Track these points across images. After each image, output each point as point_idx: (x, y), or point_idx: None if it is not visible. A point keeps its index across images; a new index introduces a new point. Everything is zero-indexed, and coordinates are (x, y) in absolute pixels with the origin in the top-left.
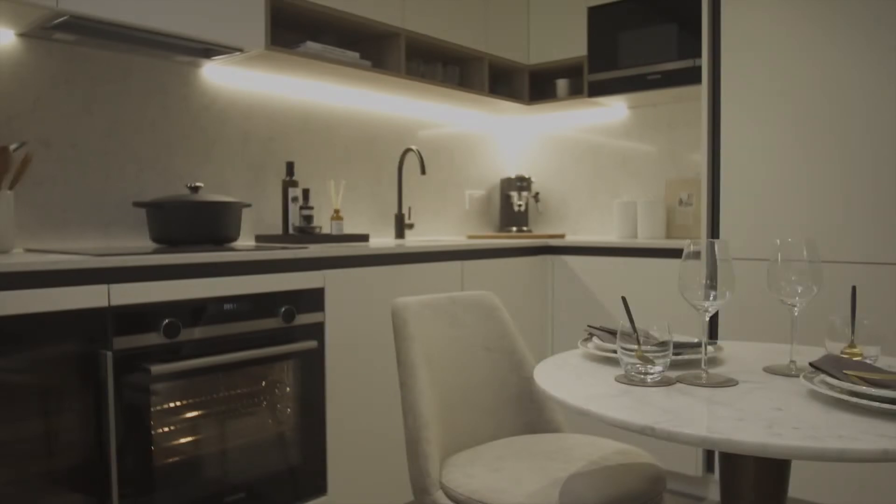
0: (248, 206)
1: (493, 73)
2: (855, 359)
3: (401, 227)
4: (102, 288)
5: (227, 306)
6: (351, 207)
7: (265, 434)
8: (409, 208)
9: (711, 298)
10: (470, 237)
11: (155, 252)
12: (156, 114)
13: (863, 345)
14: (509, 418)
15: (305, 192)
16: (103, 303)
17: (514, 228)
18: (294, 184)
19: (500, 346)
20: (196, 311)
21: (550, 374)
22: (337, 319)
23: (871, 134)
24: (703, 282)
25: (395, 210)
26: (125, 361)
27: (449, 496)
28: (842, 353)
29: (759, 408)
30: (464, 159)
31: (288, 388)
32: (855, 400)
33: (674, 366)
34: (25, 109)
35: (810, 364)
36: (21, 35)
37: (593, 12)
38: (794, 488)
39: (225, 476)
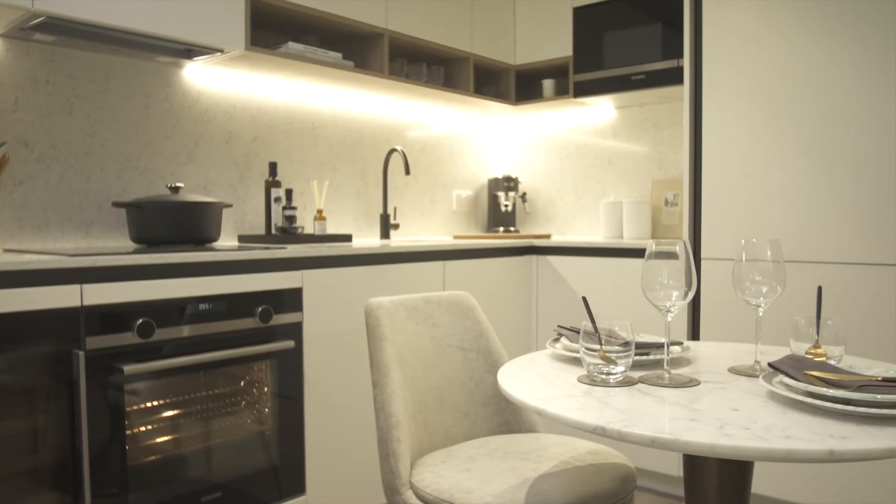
0: (229, 206)
1: (480, 73)
2: (818, 359)
3: (386, 227)
4: (75, 288)
5: (202, 306)
6: (336, 208)
7: (243, 434)
8: (395, 209)
9: (674, 298)
10: (456, 237)
11: (133, 252)
12: (138, 114)
13: (827, 345)
14: (485, 418)
15: (289, 193)
16: (76, 303)
17: (502, 229)
18: (277, 184)
19: (475, 346)
20: (171, 311)
21: (515, 374)
22: (315, 319)
23: (852, 134)
24: (664, 281)
25: (380, 210)
26: (98, 361)
27: (418, 496)
28: (806, 353)
29: (716, 408)
30: (451, 160)
31: (266, 388)
32: (809, 400)
33: (640, 366)
34: (5, 109)
35: (769, 364)
36: (0, 36)
37: (579, 12)
38: (777, 489)
39: (202, 475)
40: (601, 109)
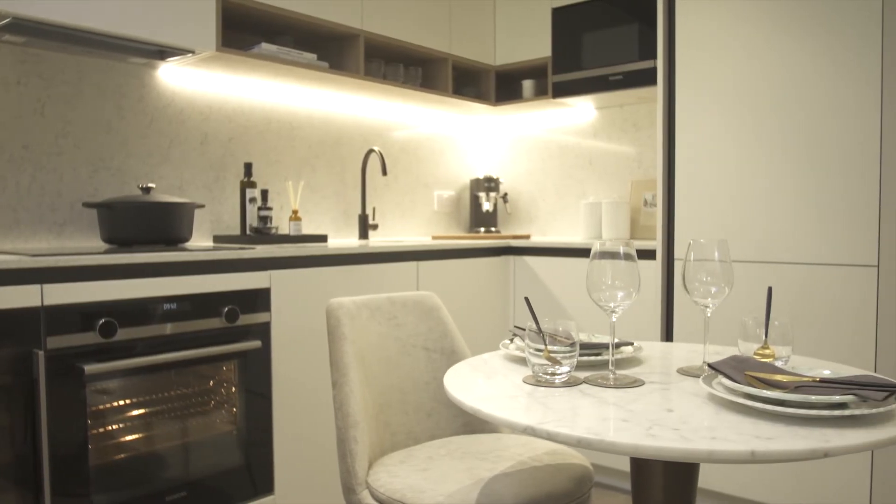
0: (201, 206)
1: (460, 73)
2: (765, 360)
3: (364, 228)
4: (35, 288)
5: (167, 306)
6: (315, 208)
7: (211, 433)
8: (374, 209)
9: (619, 299)
10: (434, 238)
11: (95, 252)
12: (111, 115)
13: (775, 345)
14: (448, 419)
15: (264, 193)
16: (36, 303)
17: (483, 229)
18: (252, 184)
19: (439, 346)
20: (135, 310)
21: (463, 374)
22: (284, 319)
23: (825, 135)
24: (609, 282)
25: (359, 211)
26: (58, 361)
27: (373, 495)
28: (755, 353)
29: (651, 409)
30: (432, 160)
31: (234, 388)
32: (742, 401)
33: (591, 366)
34: None
35: (709, 365)
36: None
37: (557, 13)
38: (743, 487)
39: (168, 475)
40: (582, 110)
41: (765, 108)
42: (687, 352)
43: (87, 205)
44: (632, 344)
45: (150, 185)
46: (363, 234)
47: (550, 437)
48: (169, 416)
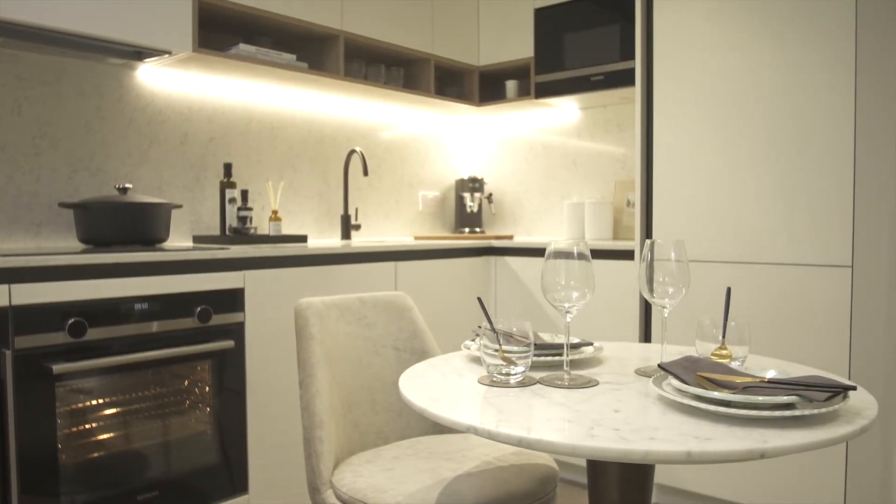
0: (179, 206)
1: (443, 74)
2: (722, 360)
3: (347, 228)
4: (3, 288)
5: (138, 306)
6: (297, 209)
7: (184, 433)
8: (356, 209)
9: (574, 299)
10: (416, 238)
11: (66, 253)
12: (89, 115)
13: (732, 345)
14: (418, 419)
15: (244, 193)
16: (3, 302)
17: (467, 230)
18: (232, 185)
19: (410, 346)
20: (105, 310)
21: (420, 373)
22: (258, 319)
23: (799, 135)
24: (563, 282)
25: (342, 211)
26: (26, 361)
27: (336, 495)
28: (711, 354)
29: (598, 409)
30: (417, 160)
31: (207, 388)
32: (687, 401)
33: (548, 367)
34: None
35: (659, 366)
36: None
37: (540, 13)
38: (721, 489)
39: (139, 474)
40: (566, 110)
41: (741, 109)
42: (650, 352)
43: (63, 205)
44: (591, 344)
45: (127, 185)
46: (345, 235)
47: (491, 436)
48: (142, 416)
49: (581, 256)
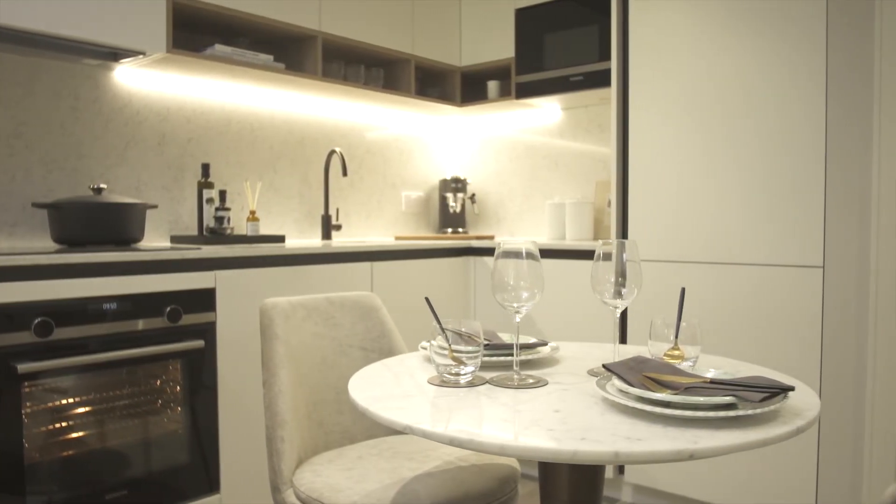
0: (154, 207)
1: (425, 74)
2: (674, 360)
3: (327, 228)
4: None
5: (106, 306)
6: (277, 209)
7: (155, 432)
8: (337, 209)
9: (523, 299)
10: (397, 238)
11: (36, 252)
12: (65, 116)
13: (685, 345)
14: None
15: (222, 194)
16: None
17: (450, 230)
18: (210, 185)
19: (377, 346)
20: (73, 310)
21: (373, 373)
22: (229, 319)
23: (771, 136)
24: (512, 283)
25: (323, 212)
26: None
27: (296, 494)
28: (664, 354)
29: (539, 409)
30: (400, 161)
31: (178, 388)
32: (625, 402)
33: (503, 367)
34: None
35: (603, 366)
36: None
37: (521, 14)
38: (696, 489)
39: (108, 473)
40: (548, 111)
41: (714, 110)
42: (607, 353)
43: (37, 205)
44: (546, 344)
45: (101, 185)
46: (326, 235)
47: (426, 436)
48: (112, 416)
49: (530, 256)
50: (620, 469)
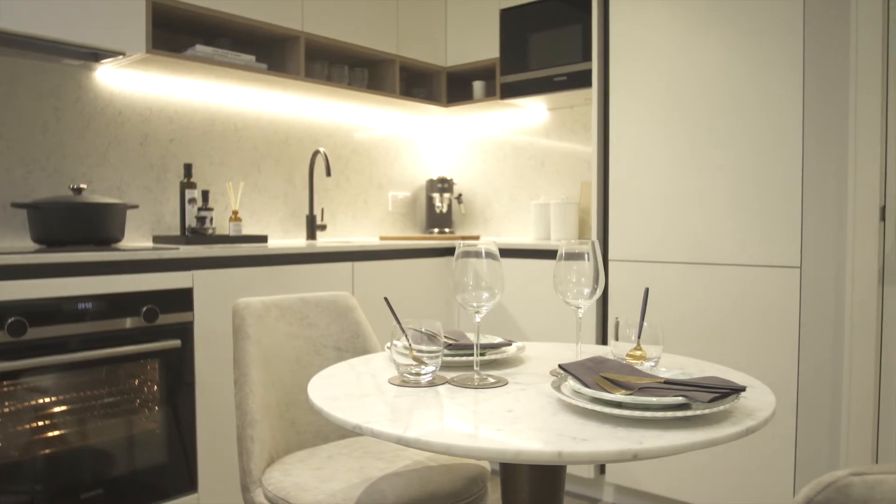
0: (135, 207)
1: (410, 75)
2: (636, 360)
3: (312, 228)
4: None
5: (82, 306)
6: (262, 209)
7: (132, 432)
8: (322, 210)
9: (483, 299)
10: (382, 239)
11: (9, 253)
12: (46, 116)
13: (647, 345)
14: None
15: (205, 194)
16: None
17: (437, 230)
18: (192, 185)
19: (352, 346)
20: (49, 310)
21: (336, 373)
22: (207, 319)
23: (749, 137)
24: (472, 283)
25: (308, 212)
26: None
27: (264, 493)
28: (627, 354)
29: (493, 409)
30: (386, 161)
31: (156, 387)
32: (580, 403)
33: (467, 367)
34: None
35: (560, 366)
36: None
37: (505, 14)
38: (676, 489)
39: (83, 473)
40: (534, 111)
41: (693, 110)
42: (575, 353)
43: (16, 205)
44: (510, 344)
45: (81, 185)
46: (311, 235)
47: (375, 435)
48: (87, 415)
49: (489, 256)
50: (602, 469)
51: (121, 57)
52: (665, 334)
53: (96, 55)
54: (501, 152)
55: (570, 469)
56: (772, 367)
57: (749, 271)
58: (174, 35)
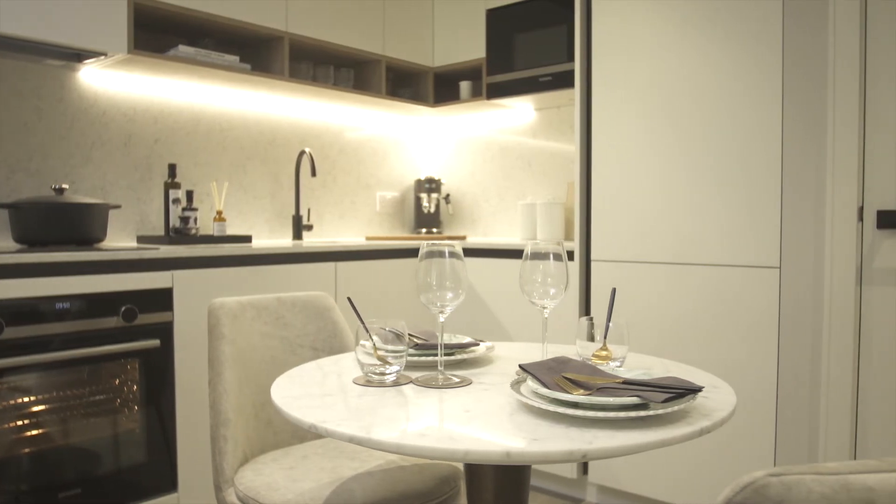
0: (117, 207)
1: (397, 75)
2: (601, 360)
3: (298, 228)
4: None
5: (60, 305)
6: (248, 209)
7: (112, 431)
8: (309, 210)
9: (447, 299)
10: (368, 239)
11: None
12: (29, 116)
13: (612, 345)
14: None
15: (189, 194)
16: None
17: (425, 230)
18: (176, 185)
19: (328, 345)
20: (25, 310)
21: (303, 372)
22: (187, 319)
23: (729, 137)
24: (435, 283)
25: (294, 212)
26: None
27: (236, 493)
28: (593, 354)
29: (451, 410)
30: (374, 161)
31: (136, 387)
32: (534, 403)
33: (434, 367)
34: None
35: (520, 366)
36: None
37: (492, 14)
38: (658, 490)
39: (61, 472)
40: (522, 111)
41: (673, 110)
42: (546, 353)
43: None
44: (478, 344)
45: (63, 185)
46: (297, 235)
47: (329, 434)
48: (67, 415)
49: (453, 256)
50: (584, 469)
51: (103, 57)
52: (631, 334)
53: (79, 56)
54: (489, 152)
55: (552, 469)
56: (751, 367)
57: (729, 271)
58: (158, 35)
